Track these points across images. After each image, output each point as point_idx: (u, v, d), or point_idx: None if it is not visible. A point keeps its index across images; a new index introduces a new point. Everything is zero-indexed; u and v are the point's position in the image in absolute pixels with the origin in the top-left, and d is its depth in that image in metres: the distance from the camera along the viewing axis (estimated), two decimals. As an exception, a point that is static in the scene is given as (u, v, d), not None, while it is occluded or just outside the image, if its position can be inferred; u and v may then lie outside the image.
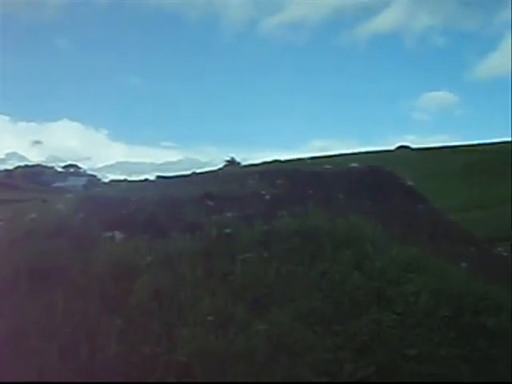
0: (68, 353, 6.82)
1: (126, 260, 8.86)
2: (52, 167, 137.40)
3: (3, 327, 7.30)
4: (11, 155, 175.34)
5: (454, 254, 12.66)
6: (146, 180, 23.24)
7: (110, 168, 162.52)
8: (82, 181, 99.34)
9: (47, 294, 8.03)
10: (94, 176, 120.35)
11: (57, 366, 6.59)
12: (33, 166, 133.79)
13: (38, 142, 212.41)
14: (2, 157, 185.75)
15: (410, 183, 18.35)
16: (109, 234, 10.23)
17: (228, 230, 9.95)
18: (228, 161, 75.65)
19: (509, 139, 66.66)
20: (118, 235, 10.20)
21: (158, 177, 23.13)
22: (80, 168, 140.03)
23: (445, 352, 7.56)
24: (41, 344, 6.88)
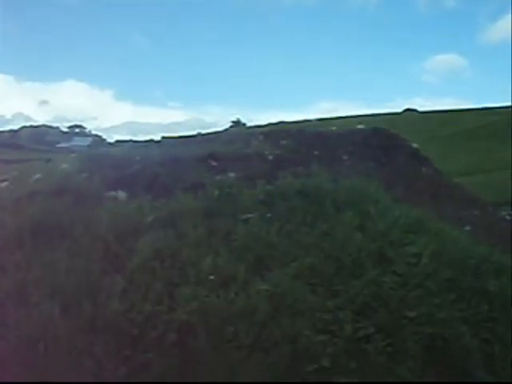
0: (70, 309, 6.90)
1: (129, 219, 8.88)
2: (57, 127, 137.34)
3: (7, 283, 7.38)
4: (17, 115, 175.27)
5: (457, 217, 12.67)
6: (151, 140, 23.23)
7: (117, 128, 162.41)
8: (87, 141, 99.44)
9: (50, 252, 8.11)
10: (99, 136, 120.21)
11: (59, 322, 6.66)
12: (38, 127, 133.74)
13: (44, 102, 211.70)
14: (9, 117, 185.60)
15: (414, 146, 18.29)
16: (112, 193, 10.26)
17: (230, 190, 9.94)
18: (234, 121, 75.64)
19: (514, 103, 66.28)
20: (121, 194, 10.22)
21: (164, 137, 23.14)
22: (85, 128, 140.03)
23: (445, 314, 7.59)
24: (44, 300, 6.94)
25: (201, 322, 6.73)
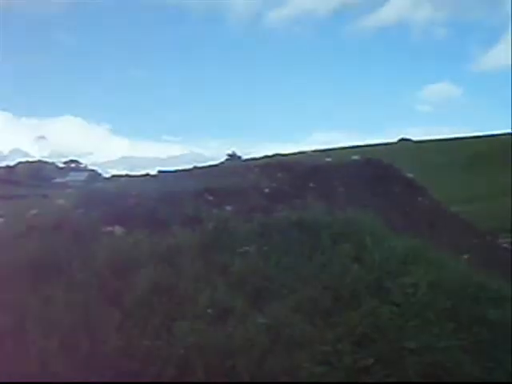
0: (68, 346, 6.86)
1: (126, 254, 8.88)
2: (53, 163, 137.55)
3: (5, 321, 7.34)
4: (14, 151, 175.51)
5: (454, 246, 12.70)
6: (148, 175, 23.30)
7: (113, 163, 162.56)
8: (83, 176, 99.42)
9: (48, 288, 8.08)
10: (95, 171, 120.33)
11: (57, 360, 6.62)
12: (34, 162, 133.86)
13: (41, 138, 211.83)
14: (6, 153, 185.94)
15: (409, 176, 18.39)
16: (109, 228, 10.27)
17: (227, 224, 9.97)
18: (229, 155, 75.88)
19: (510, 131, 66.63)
20: (119, 230, 10.23)
21: (160, 171, 23.20)
22: (81, 163, 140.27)
23: (444, 343, 7.57)
24: (41, 338, 6.91)
25: (199, 356, 6.69)
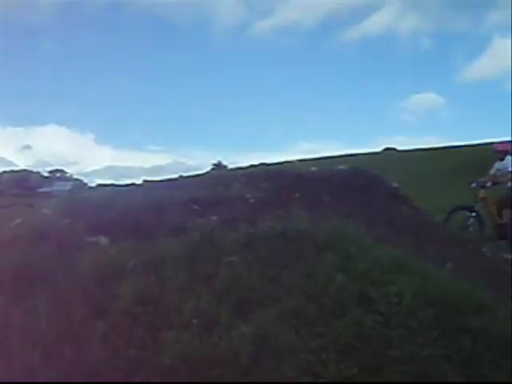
0: (52, 357, 6.84)
1: (111, 264, 8.87)
2: (38, 172, 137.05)
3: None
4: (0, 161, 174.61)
5: (438, 255, 12.74)
6: (133, 184, 23.25)
7: (99, 172, 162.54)
8: (68, 185, 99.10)
9: (31, 298, 8.05)
10: (80, 180, 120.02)
11: (40, 370, 6.61)
12: (18, 171, 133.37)
13: (27, 147, 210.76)
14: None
15: (394, 185, 18.46)
16: (94, 238, 10.26)
17: (212, 234, 10.00)
18: (215, 164, 75.99)
19: (495, 140, 67.05)
20: (103, 240, 10.22)
21: (145, 181, 23.19)
22: (66, 173, 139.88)
23: (428, 352, 7.63)
24: (24, 348, 6.89)
25: (184, 366, 6.72)
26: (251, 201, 13.16)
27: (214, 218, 11.42)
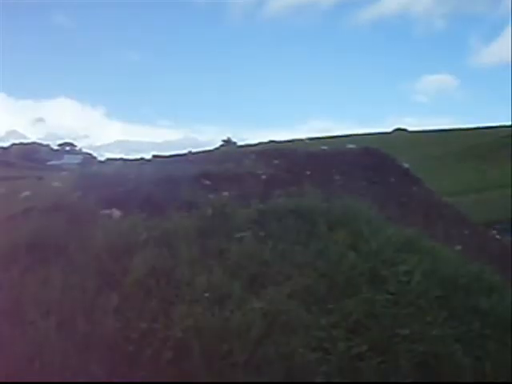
0: (66, 327, 6.90)
1: (123, 237, 8.91)
2: (47, 145, 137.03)
3: (2, 300, 7.38)
4: (11, 133, 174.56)
5: (448, 236, 12.77)
6: (142, 159, 23.28)
7: (109, 146, 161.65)
8: (78, 159, 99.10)
9: (45, 269, 8.11)
10: (90, 154, 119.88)
11: (54, 340, 6.67)
12: (28, 144, 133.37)
13: (39, 120, 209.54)
14: (2, 134, 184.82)
15: (405, 165, 18.44)
16: (106, 211, 10.29)
17: (224, 209, 10.01)
18: (224, 140, 75.78)
19: (507, 123, 66.50)
20: (116, 213, 10.26)
21: (154, 156, 23.21)
22: (75, 146, 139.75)
23: (437, 331, 7.67)
24: (39, 318, 6.95)
25: (196, 339, 6.75)
26: (263, 177, 13.17)
27: (225, 193, 11.43)
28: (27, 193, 12.48)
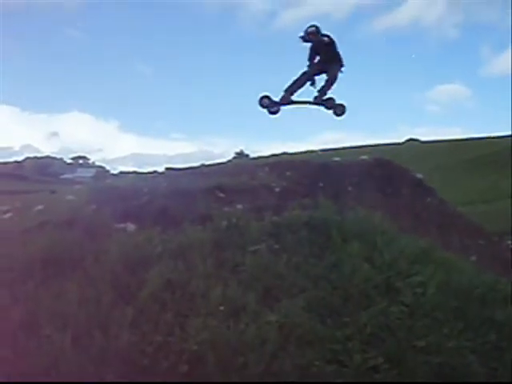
0: (81, 341, 6.93)
1: (138, 251, 8.95)
2: (61, 159, 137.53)
3: (18, 313, 7.41)
4: (25, 147, 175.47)
5: (462, 247, 12.75)
6: (155, 172, 23.31)
7: (122, 160, 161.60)
8: (91, 172, 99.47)
9: (60, 283, 8.15)
10: (103, 167, 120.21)
11: (70, 354, 6.70)
12: (42, 158, 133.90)
13: (54, 134, 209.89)
14: (17, 149, 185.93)
15: (418, 176, 18.37)
16: (121, 225, 10.33)
17: (238, 222, 10.03)
18: (237, 153, 75.90)
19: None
20: (130, 226, 10.29)
21: (167, 168, 23.23)
22: (89, 159, 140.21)
23: (453, 343, 7.65)
24: (55, 331, 6.98)
25: (211, 352, 6.77)
26: (276, 190, 13.16)
27: (239, 206, 11.44)
28: (40, 207, 12.54)
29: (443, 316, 8.16)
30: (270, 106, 13.55)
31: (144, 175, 21.54)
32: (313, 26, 12.91)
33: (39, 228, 10.45)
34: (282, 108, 13.57)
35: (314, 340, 7.25)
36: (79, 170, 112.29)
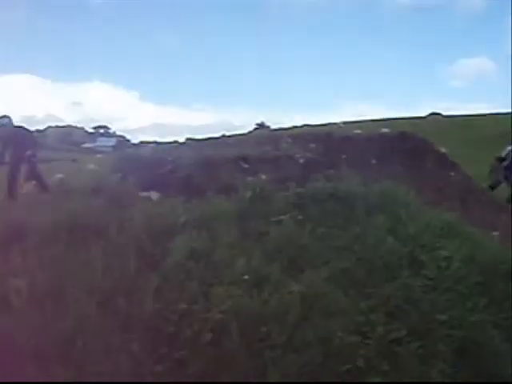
0: (107, 307, 6.99)
1: (163, 220, 8.97)
2: (82, 128, 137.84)
3: (45, 277, 7.48)
4: (48, 116, 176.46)
5: (485, 222, 12.66)
6: (176, 142, 23.32)
7: (143, 129, 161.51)
8: (112, 141, 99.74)
9: (86, 250, 8.21)
10: (124, 137, 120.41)
11: (96, 319, 6.76)
12: (63, 127, 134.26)
13: (77, 104, 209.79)
14: (40, 117, 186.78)
15: (442, 150, 18.24)
16: (145, 193, 10.37)
17: (262, 192, 10.01)
18: (258, 124, 75.70)
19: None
20: (154, 195, 10.33)
21: (188, 139, 23.23)
22: (110, 129, 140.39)
23: (476, 317, 7.64)
24: (81, 296, 7.04)
25: (235, 321, 6.79)
26: (301, 161, 13.15)
27: (263, 176, 11.42)
28: (60, 175, 12.63)
29: (467, 290, 8.14)
30: None
31: (165, 145, 21.58)
32: None
33: (65, 195, 10.53)
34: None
35: (336, 311, 7.25)
36: (100, 139, 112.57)
